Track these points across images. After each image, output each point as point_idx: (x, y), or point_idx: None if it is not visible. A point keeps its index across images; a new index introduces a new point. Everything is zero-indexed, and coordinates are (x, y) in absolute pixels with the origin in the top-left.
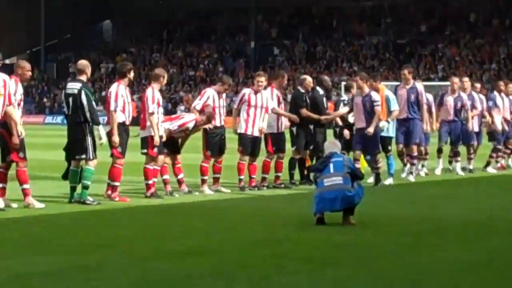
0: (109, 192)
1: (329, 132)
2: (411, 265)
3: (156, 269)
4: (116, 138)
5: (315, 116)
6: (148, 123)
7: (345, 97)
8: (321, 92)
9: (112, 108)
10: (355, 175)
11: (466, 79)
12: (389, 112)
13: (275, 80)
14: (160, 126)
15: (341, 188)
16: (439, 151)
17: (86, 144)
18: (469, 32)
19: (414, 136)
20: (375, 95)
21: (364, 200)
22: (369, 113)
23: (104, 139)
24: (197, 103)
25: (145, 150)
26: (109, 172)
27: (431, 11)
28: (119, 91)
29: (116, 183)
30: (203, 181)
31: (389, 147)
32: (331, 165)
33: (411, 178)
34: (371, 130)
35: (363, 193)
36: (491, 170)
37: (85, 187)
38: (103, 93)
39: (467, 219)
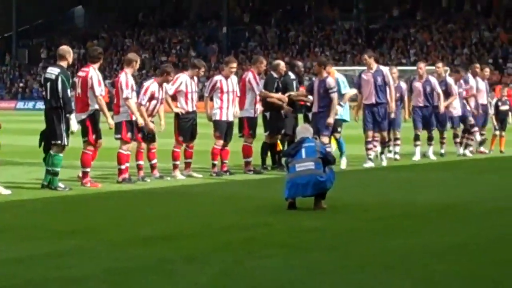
0: (81, 175)
1: (300, 117)
2: (384, 250)
3: (129, 254)
4: (111, 121)
5: (279, 102)
6: (121, 109)
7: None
8: (292, 76)
9: (97, 93)
10: (327, 160)
11: (439, 64)
12: (341, 95)
13: (254, 65)
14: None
15: (313, 174)
16: (416, 138)
17: (60, 130)
18: (441, 17)
19: (384, 122)
20: (330, 82)
21: (335, 184)
22: (322, 98)
23: (75, 128)
24: (170, 88)
25: (119, 135)
26: (81, 159)
27: None
28: (99, 75)
29: (87, 169)
30: (175, 166)
31: (338, 129)
32: (303, 150)
33: (384, 163)
34: (330, 121)
35: (334, 178)
36: (468, 153)
37: (55, 174)
38: (75, 79)
39: (439, 204)
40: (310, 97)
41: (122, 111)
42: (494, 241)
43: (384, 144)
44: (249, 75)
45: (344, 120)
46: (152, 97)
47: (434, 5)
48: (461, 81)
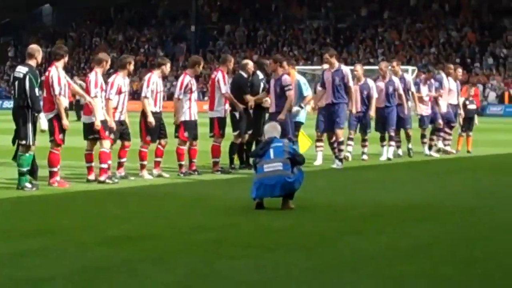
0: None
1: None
2: (352, 250)
3: (96, 254)
4: (66, 122)
5: (239, 104)
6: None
7: None
8: (261, 76)
9: (56, 92)
10: (295, 160)
11: (394, 63)
12: (301, 98)
13: (223, 65)
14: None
15: (281, 174)
16: (382, 138)
17: (27, 129)
18: (409, 17)
19: (338, 121)
20: (286, 79)
21: (304, 185)
22: (279, 97)
23: (45, 127)
24: (146, 91)
25: (97, 135)
26: (48, 159)
27: None
28: (60, 74)
29: (54, 169)
30: (143, 166)
31: (296, 133)
32: (271, 151)
33: (338, 166)
34: (282, 117)
35: (303, 178)
36: (434, 153)
37: (22, 174)
38: (42, 78)
39: (407, 204)
40: (268, 99)
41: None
42: (461, 240)
43: (339, 144)
44: (219, 75)
45: (301, 123)
46: (119, 91)
47: (402, 4)
48: (432, 81)
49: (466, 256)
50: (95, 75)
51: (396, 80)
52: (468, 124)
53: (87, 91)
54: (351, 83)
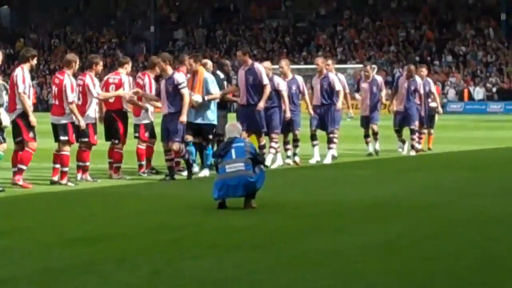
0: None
1: (231, 116)
2: (313, 248)
3: (59, 255)
4: (33, 118)
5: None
6: (67, 110)
7: None
8: (222, 76)
9: (20, 90)
10: (256, 160)
11: (329, 61)
12: (208, 94)
13: (182, 65)
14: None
15: (243, 175)
16: (312, 137)
17: None
18: (368, 15)
19: (255, 122)
20: (179, 77)
21: (265, 183)
22: (173, 96)
23: (6, 122)
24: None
25: (66, 137)
26: (20, 156)
27: None
28: (25, 74)
29: (23, 167)
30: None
31: (209, 136)
32: (233, 151)
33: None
34: (183, 119)
35: (264, 178)
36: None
37: None
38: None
39: (367, 202)
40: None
41: (67, 112)
42: (422, 238)
43: (259, 148)
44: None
45: (214, 125)
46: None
47: (361, 3)
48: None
49: (429, 252)
50: (69, 79)
51: (332, 76)
52: (429, 122)
53: (60, 94)
54: (265, 82)
